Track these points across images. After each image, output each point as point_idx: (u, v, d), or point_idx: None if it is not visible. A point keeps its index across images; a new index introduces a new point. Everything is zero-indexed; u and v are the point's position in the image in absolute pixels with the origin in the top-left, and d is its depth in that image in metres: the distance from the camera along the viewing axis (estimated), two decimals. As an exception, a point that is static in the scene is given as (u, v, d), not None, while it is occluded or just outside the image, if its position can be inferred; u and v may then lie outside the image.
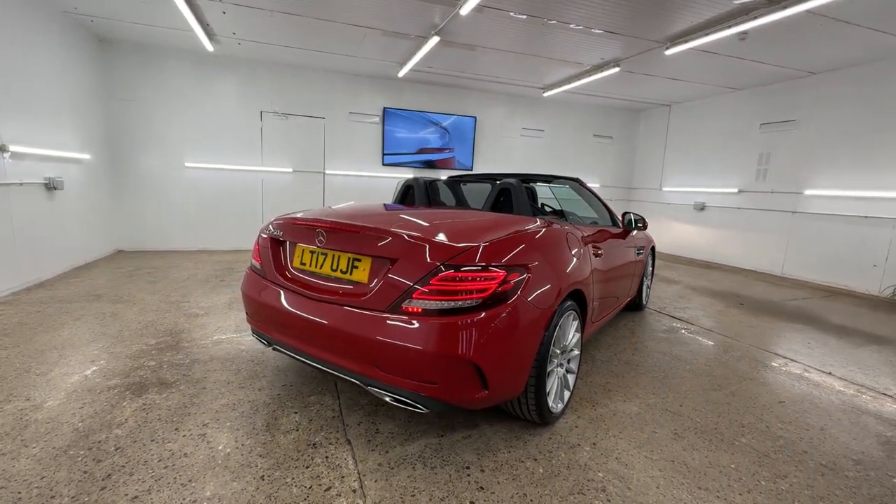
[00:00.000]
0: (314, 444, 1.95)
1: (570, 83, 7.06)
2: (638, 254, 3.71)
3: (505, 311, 1.73)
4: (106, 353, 2.82)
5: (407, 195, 3.17)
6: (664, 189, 9.03)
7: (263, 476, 1.72)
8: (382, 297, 1.76)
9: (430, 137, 7.92)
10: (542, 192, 3.27)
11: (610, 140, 9.53)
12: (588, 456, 1.95)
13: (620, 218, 3.46)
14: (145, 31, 5.58)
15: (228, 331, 3.32)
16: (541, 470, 1.84)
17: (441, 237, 1.78)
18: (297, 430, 2.05)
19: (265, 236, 2.31)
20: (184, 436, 1.96)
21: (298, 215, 2.28)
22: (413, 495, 1.66)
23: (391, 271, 1.77)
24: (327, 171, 7.45)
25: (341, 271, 1.96)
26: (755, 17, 4.22)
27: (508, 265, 1.78)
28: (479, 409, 1.89)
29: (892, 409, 2.55)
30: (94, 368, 2.59)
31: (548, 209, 3.13)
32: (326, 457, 1.86)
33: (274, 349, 2.24)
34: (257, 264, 2.34)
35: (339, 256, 1.98)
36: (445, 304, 1.67)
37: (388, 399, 1.81)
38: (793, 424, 2.31)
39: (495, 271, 1.73)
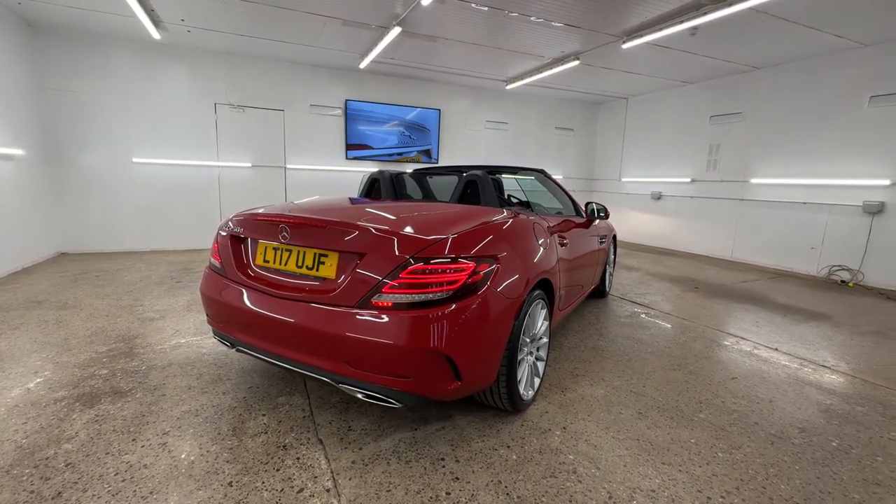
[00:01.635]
0: (284, 446, 1.90)
1: (531, 76, 7.14)
2: (601, 242, 3.82)
3: (475, 303, 1.73)
4: (51, 363, 2.62)
5: (373, 188, 3.12)
6: (623, 180, 9.35)
7: (231, 482, 1.66)
8: (351, 292, 1.73)
9: (395, 130, 7.81)
10: (508, 183, 3.29)
11: (571, 132, 9.75)
12: (559, 440, 2.00)
13: (583, 208, 3.55)
14: (81, 15, 5.17)
15: (187, 334, 3.17)
16: (514, 456, 1.87)
17: (409, 230, 1.76)
18: (266, 433, 1.99)
19: (224, 234, 2.21)
20: (142, 446, 1.86)
21: (260, 211, 2.20)
22: (388, 490, 1.65)
23: (359, 266, 1.73)
24: (289, 166, 7.22)
25: (307, 267, 1.91)
26: (704, 13, 4.40)
27: (477, 256, 1.79)
28: (452, 400, 1.89)
29: (830, 379, 2.77)
30: (38, 380, 2.40)
31: (514, 200, 3.17)
32: (298, 458, 1.82)
33: (238, 351, 2.16)
34: (217, 263, 2.23)
35: (304, 252, 1.93)
36: (416, 298, 1.66)
37: (360, 396, 1.79)
38: (745, 398, 2.47)
39: (465, 263, 1.73)
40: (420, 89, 7.97)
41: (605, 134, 9.86)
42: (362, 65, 6.67)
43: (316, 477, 1.71)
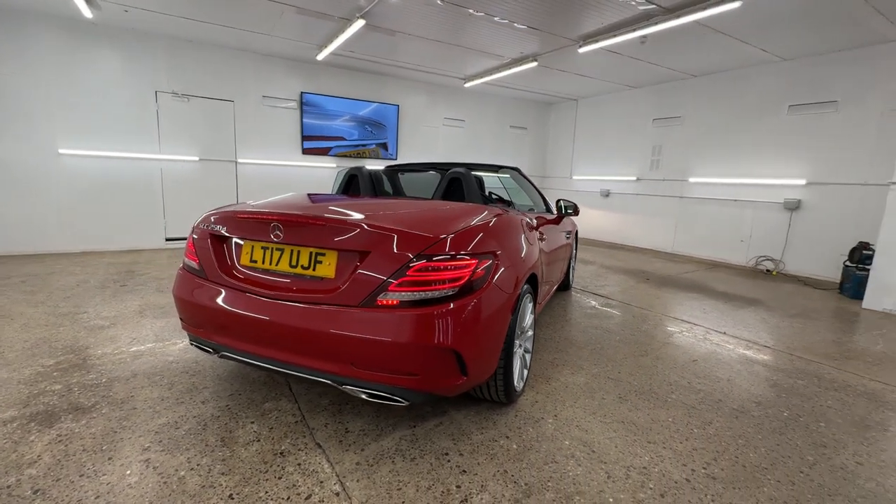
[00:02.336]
0: (281, 453, 1.82)
1: (490, 75, 7.27)
2: (567, 238, 4.00)
3: (479, 298, 1.77)
4: (-12, 381, 2.32)
5: (350, 185, 3.05)
6: (574, 177, 9.79)
7: (232, 495, 1.58)
8: (354, 291, 1.70)
9: (353, 125, 7.64)
10: (487, 180, 3.36)
11: (525, 131, 10.04)
12: (552, 427, 2.10)
13: (554, 204, 3.69)
14: (-5, -14, 4.56)
15: (147, 341, 2.93)
16: (514, 446, 1.94)
17: (414, 228, 1.75)
18: (259, 441, 1.90)
19: (202, 232, 2.07)
20: (121, 465, 1.71)
21: (248, 208, 2.08)
22: (399, 489, 1.64)
23: (363, 265, 1.70)
24: (240, 160, 6.82)
25: (302, 267, 1.84)
26: (655, 23, 4.73)
27: (479, 253, 1.82)
28: (454, 395, 1.92)
29: (773, 357, 3.11)
30: (-23, 401, 2.12)
31: (495, 197, 3.23)
32: (298, 464, 1.76)
33: (221, 357, 2.04)
34: (194, 264, 2.09)
35: (298, 251, 1.86)
36: (423, 295, 1.66)
37: (363, 396, 1.76)
38: (707, 378, 2.71)
39: (468, 259, 1.76)
40: (379, 84, 7.84)
41: (556, 133, 10.26)
42: (320, 56, 6.45)
43: (322, 482, 1.66)
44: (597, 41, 5.38)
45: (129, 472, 1.67)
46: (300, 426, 2.03)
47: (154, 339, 2.98)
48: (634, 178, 8.41)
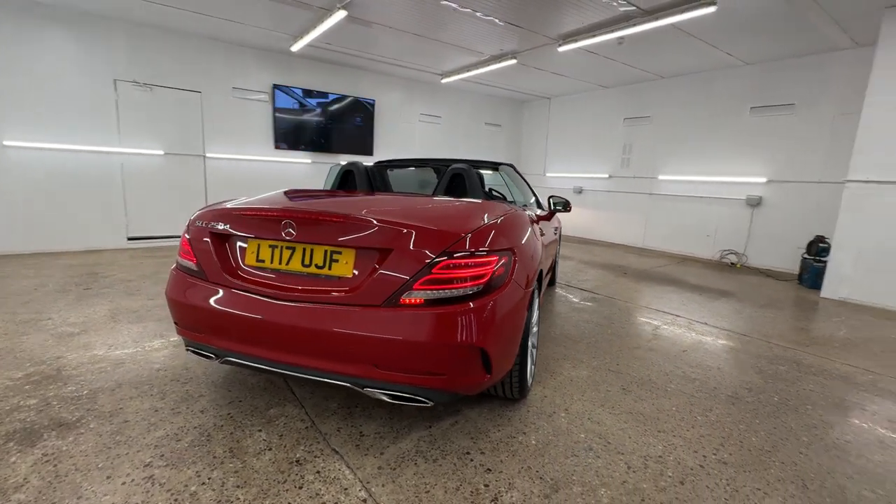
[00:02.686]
0: (297, 461, 1.74)
1: (469, 71, 7.26)
2: (555, 234, 4.07)
3: (501, 295, 1.75)
4: (-52, 398, 2.08)
5: (346, 181, 2.95)
6: (548, 174, 9.97)
7: (252, 508, 1.49)
8: (377, 290, 1.64)
9: (328, 119, 7.42)
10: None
11: (499, 128, 10.12)
12: (566, 421, 2.12)
13: (546, 200, 3.73)
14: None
15: (126, 348, 2.72)
16: (533, 441, 1.94)
17: (437, 224, 1.71)
18: (271, 450, 1.81)
19: (200, 230, 1.94)
20: (123, 483, 1.57)
21: (255, 205, 1.96)
22: (427, 491, 1.61)
23: (386, 263, 1.64)
24: (209, 155, 6.48)
25: (316, 266, 1.76)
26: (634, 24, 4.86)
27: (499, 249, 1.80)
28: (476, 393, 1.90)
29: (753, 345, 3.29)
30: (-61, 421, 1.90)
31: (496, 194, 3.23)
32: (318, 472, 1.69)
33: (223, 362, 1.92)
34: (191, 264, 1.96)
35: (312, 250, 1.77)
36: (448, 293, 1.63)
37: (384, 398, 1.71)
38: (699, 367, 2.83)
39: (491, 256, 1.74)
40: (354, 78, 7.66)
41: (530, 131, 10.41)
42: (295, 47, 6.21)
43: (346, 489, 1.60)
44: (576, 41, 5.48)
45: (132, 491, 1.54)
46: (311, 432, 1.94)
47: (134, 345, 2.78)
48: (606, 176, 8.67)
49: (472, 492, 1.62)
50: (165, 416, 2.01)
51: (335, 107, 7.44)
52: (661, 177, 7.72)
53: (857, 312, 4.34)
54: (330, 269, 1.75)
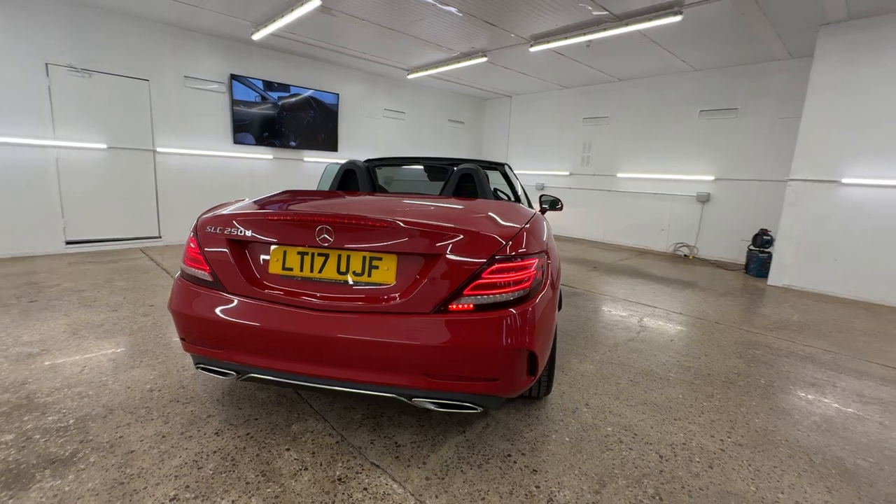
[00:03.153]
0: (339, 479, 1.66)
1: (437, 67, 7.21)
2: (541, 231, 4.15)
3: (541, 296, 1.76)
4: None
5: (347, 181, 2.82)
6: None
7: (308, 535, 1.40)
8: (426, 297, 1.59)
9: (291, 113, 7.05)
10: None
11: (462, 125, 10.16)
12: (590, 416, 2.18)
13: (537, 200, 3.81)
14: None
15: (104, 369, 2.44)
16: (567, 439, 1.98)
17: (485, 229, 1.68)
18: (307, 469, 1.70)
19: (217, 236, 1.77)
20: (152, 522, 1.41)
21: (270, 209, 1.82)
22: (482, 498, 1.59)
23: (436, 269, 1.59)
24: (159, 149, 5.93)
25: (354, 273, 1.67)
26: (604, 29, 5.07)
27: (538, 252, 1.81)
28: (518, 395, 1.90)
29: (727, 332, 3.57)
30: None
31: (500, 194, 3.23)
32: (364, 488, 1.61)
33: (248, 379, 1.78)
34: (204, 274, 1.79)
35: (348, 256, 1.68)
36: (498, 298, 1.61)
37: (431, 406, 1.66)
38: (689, 356, 3.03)
39: (532, 259, 1.74)
40: (317, 70, 7.34)
41: (491, 128, 10.54)
42: (257, 36, 5.82)
43: (400, 504, 1.55)
44: (548, 42, 5.61)
45: (166, 529, 1.39)
46: (344, 447, 1.85)
47: (112, 365, 2.49)
48: (567, 173, 8.99)
49: (525, 494, 1.62)
50: (176, 441, 1.83)
51: (298, 100, 7.08)
52: (619, 174, 8.14)
53: (800, 298, 4.85)
54: (369, 275, 1.67)
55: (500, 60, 6.76)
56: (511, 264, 1.65)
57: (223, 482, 1.60)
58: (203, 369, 1.86)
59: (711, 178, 6.98)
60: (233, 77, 6.35)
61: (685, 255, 7.28)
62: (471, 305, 1.59)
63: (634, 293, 4.66)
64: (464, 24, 5.30)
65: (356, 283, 1.67)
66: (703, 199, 7.07)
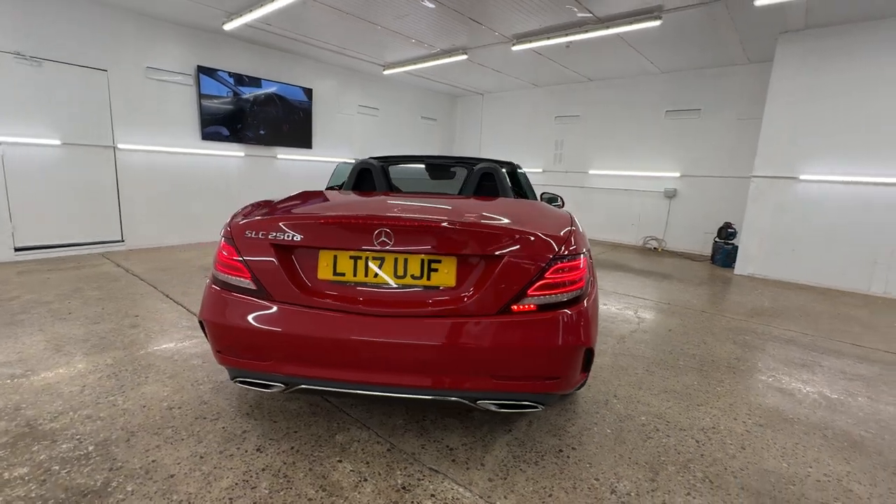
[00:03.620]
0: (403, 488, 1.62)
1: (415, 64, 7.13)
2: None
3: (593, 293, 1.81)
4: None
5: (363, 180, 2.74)
6: (483, 169, 10.24)
7: (391, 548, 1.36)
8: (491, 299, 1.58)
9: (263, 108, 6.72)
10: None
11: (435, 122, 10.12)
12: (622, 407, 2.27)
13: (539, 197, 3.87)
14: None
15: (107, 387, 2.23)
16: (608, 431, 2.05)
17: (544, 229, 1.69)
18: (366, 480, 1.65)
19: (260, 241, 1.67)
20: (221, 550, 1.32)
21: (306, 209, 1.74)
22: (550, 495, 1.62)
23: (500, 270, 1.59)
24: (120, 146, 5.47)
25: (412, 277, 1.64)
26: (586, 31, 5.22)
27: (586, 250, 1.85)
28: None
29: (715, 319, 3.81)
30: None
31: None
32: (432, 495, 1.59)
33: (296, 391, 1.70)
34: (244, 281, 1.68)
35: (406, 259, 1.64)
36: (559, 297, 1.63)
37: (493, 408, 1.66)
38: (690, 343, 3.21)
39: (584, 257, 1.78)
40: (292, 64, 7.04)
41: (463, 126, 10.58)
42: (229, 26, 5.49)
43: (472, 508, 1.54)
44: (531, 41, 5.70)
45: (239, 556, 1.30)
46: (397, 454, 1.81)
47: (115, 382, 2.29)
48: (540, 170, 9.20)
49: (588, 488, 1.66)
50: (217, 462, 1.71)
51: (270, 95, 6.76)
52: (591, 171, 8.44)
53: (766, 286, 5.26)
54: (428, 279, 1.64)
55: (480, 59, 6.79)
56: (568, 263, 1.67)
57: (283, 501, 1.52)
58: (242, 383, 1.75)
59: (678, 174, 7.40)
60: (200, 69, 5.96)
61: (654, 248, 7.67)
62: (534, 306, 1.60)
63: (622, 286, 4.87)
64: (447, 21, 5.27)
65: (413, 287, 1.64)
66: (671, 195, 7.48)
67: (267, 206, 1.95)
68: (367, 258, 1.66)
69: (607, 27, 5.06)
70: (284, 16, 5.23)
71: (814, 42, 5.07)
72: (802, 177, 5.27)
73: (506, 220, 1.73)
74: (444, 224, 1.61)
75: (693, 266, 6.27)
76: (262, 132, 6.77)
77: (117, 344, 2.77)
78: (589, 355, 1.73)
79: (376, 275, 1.65)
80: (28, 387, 2.20)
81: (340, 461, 1.75)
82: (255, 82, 6.56)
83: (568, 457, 1.84)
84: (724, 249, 6.31)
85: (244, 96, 6.46)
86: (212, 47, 6.09)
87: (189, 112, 6.03)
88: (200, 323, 1.77)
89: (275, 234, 1.66)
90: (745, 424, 2.15)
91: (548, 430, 2.02)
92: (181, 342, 2.83)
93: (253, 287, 1.67)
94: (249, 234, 1.70)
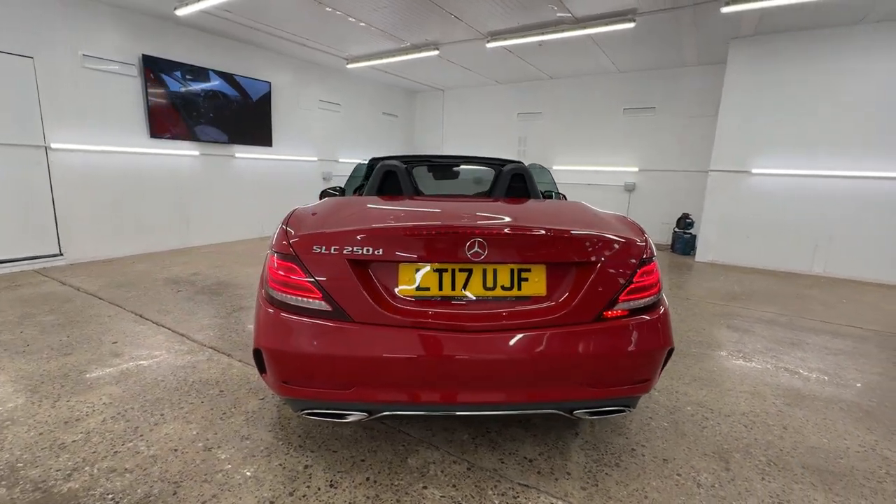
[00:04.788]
0: (503, 508, 1.55)
1: (382, 58, 6.88)
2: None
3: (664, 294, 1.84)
4: None
5: (388, 183, 2.58)
6: (446, 165, 10.20)
7: (522, 576, 1.29)
8: (587, 306, 1.55)
9: (218, 102, 6.16)
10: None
11: (396, 118, 9.89)
12: (664, 399, 2.35)
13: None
14: None
15: (119, 431, 1.92)
16: (665, 424, 2.11)
17: (628, 234, 1.68)
18: (462, 502, 1.56)
19: (335, 257, 1.50)
20: None
21: (387, 222, 1.60)
22: (644, 495, 1.63)
23: (595, 276, 1.56)
24: (53, 145, 4.75)
25: (503, 287, 1.56)
26: (562, 31, 5.33)
27: (655, 252, 1.87)
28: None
29: (702, 305, 4.08)
30: None
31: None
32: (535, 512, 1.54)
33: (377, 418, 1.57)
34: (317, 303, 1.50)
35: (495, 270, 1.56)
36: (645, 301, 1.64)
37: (586, 416, 1.64)
38: (692, 330, 3.40)
39: (656, 260, 1.80)
40: (249, 55, 6.51)
41: (423, 122, 10.44)
42: (182, 11, 4.93)
43: (580, 520, 1.51)
44: (505, 39, 5.72)
45: None
46: (478, 472, 1.73)
47: (125, 425, 1.97)
48: (504, 166, 9.31)
49: (675, 485, 1.70)
50: (292, 501, 1.53)
51: (226, 88, 6.20)
52: (554, 167, 8.68)
53: (727, 271, 5.74)
54: (519, 289, 1.57)
55: (451, 55, 6.71)
56: (650, 267, 1.69)
57: (386, 540, 1.39)
58: (312, 415, 1.58)
59: (636, 169, 7.83)
60: (146, 58, 5.32)
61: (617, 239, 8.07)
62: (625, 311, 1.59)
63: (606, 278, 5.06)
64: (423, 14, 5.13)
65: (503, 298, 1.56)
66: (630, 188, 7.91)
67: (317, 217, 1.75)
68: (453, 270, 1.55)
69: (583, 27, 5.20)
70: (248, 2, 4.80)
71: (761, 47, 5.57)
72: (754, 170, 5.79)
73: (584, 226, 1.71)
74: (541, 232, 1.55)
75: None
76: (217, 129, 6.20)
77: (105, 378, 2.40)
78: (669, 355, 1.76)
79: (464, 287, 1.55)
80: (13, 440, 1.83)
81: (426, 487, 1.64)
82: (210, 75, 5.99)
83: (643, 455, 1.87)
84: (683, 238, 6.79)
85: (197, 90, 5.87)
86: (159, 35, 5.46)
87: (135, 107, 5.37)
88: (256, 352, 1.56)
89: (350, 248, 1.50)
90: (775, 405, 2.32)
91: (611, 430, 2.04)
92: (183, 370, 2.52)
93: (328, 308, 1.50)
94: (318, 250, 1.52)
